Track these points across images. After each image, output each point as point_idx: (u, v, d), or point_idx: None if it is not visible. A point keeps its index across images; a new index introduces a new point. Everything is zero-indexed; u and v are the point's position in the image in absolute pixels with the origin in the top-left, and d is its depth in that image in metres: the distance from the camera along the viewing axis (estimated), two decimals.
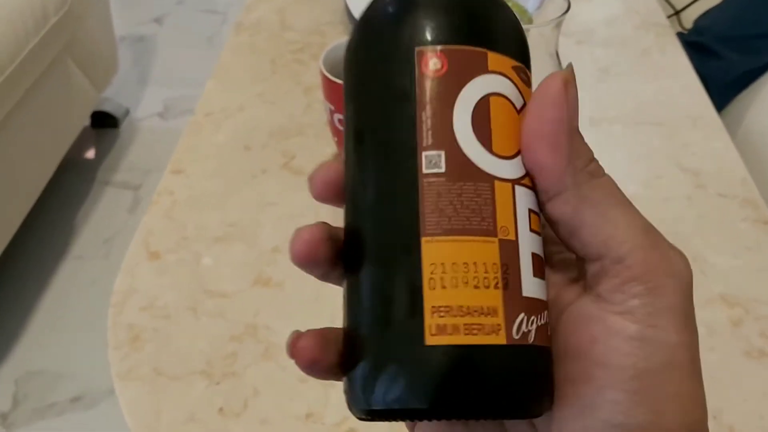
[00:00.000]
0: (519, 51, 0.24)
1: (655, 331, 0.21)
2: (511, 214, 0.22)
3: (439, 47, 0.22)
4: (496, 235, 0.21)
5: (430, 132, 0.22)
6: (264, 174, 0.71)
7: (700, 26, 1.09)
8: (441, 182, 0.22)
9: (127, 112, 1.77)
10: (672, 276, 0.22)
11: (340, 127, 0.63)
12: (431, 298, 0.21)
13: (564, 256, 0.25)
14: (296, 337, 0.23)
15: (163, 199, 0.69)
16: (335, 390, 0.52)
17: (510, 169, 0.22)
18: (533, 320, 0.21)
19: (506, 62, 0.23)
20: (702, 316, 0.55)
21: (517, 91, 0.23)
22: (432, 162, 0.22)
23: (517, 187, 0.22)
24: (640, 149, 0.73)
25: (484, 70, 0.22)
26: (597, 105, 0.80)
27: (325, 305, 0.58)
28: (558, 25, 0.54)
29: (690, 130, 0.75)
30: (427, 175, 0.22)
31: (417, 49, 0.22)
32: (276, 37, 0.94)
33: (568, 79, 0.22)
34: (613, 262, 0.22)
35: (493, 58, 0.23)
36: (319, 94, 0.64)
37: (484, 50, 0.23)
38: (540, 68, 0.62)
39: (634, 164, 0.71)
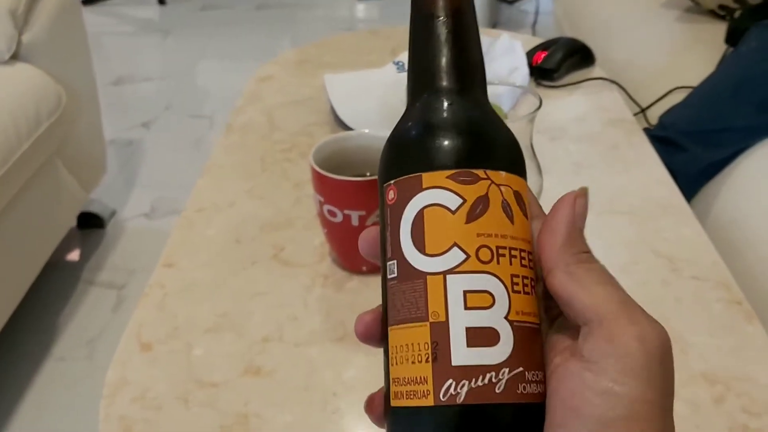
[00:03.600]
0: (456, 159, 0.29)
1: (620, 386, 0.25)
2: (442, 300, 0.27)
3: (392, 181, 0.30)
4: (427, 320, 0.27)
5: (390, 247, 0.29)
6: (254, 265, 0.73)
7: (664, 122, 1.16)
8: (395, 284, 0.29)
9: (113, 213, 1.79)
10: (639, 340, 0.25)
11: (330, 218, 0.66)
12: (392, 372, 0.29)
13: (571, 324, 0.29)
14: (370, 398, 0.31)
15: (154, 292, 0.70)
16: None
17: (442, 263, 0.28)
18: (464, 384, 0.26)
19: (440, 176, 0.28)
20: (684, 394, 0.57)
21: (452, 195, 0.28)
22: (391, 270, 0.29)
23: (449, 276, 0.27)
24: (615, 237, 0.77)
25: (419, 189, 0.28)
26: None
27: (315, 393, 0.58)
28: (531, 120, 0.58)
29: (661, 218, 0.79)
30: (389, 279, 0.29)
31: (384, 185, 0.30)
32: (265, 138, 0.98)
33: (579, 195, 0.30)
34: (594, 327, 0.26)
35: (428, 177, 0.28)
36: (308, 189, 0.67)
37: (419, 174, 0.29)
38: None
39: (610, 251, 0.74)
